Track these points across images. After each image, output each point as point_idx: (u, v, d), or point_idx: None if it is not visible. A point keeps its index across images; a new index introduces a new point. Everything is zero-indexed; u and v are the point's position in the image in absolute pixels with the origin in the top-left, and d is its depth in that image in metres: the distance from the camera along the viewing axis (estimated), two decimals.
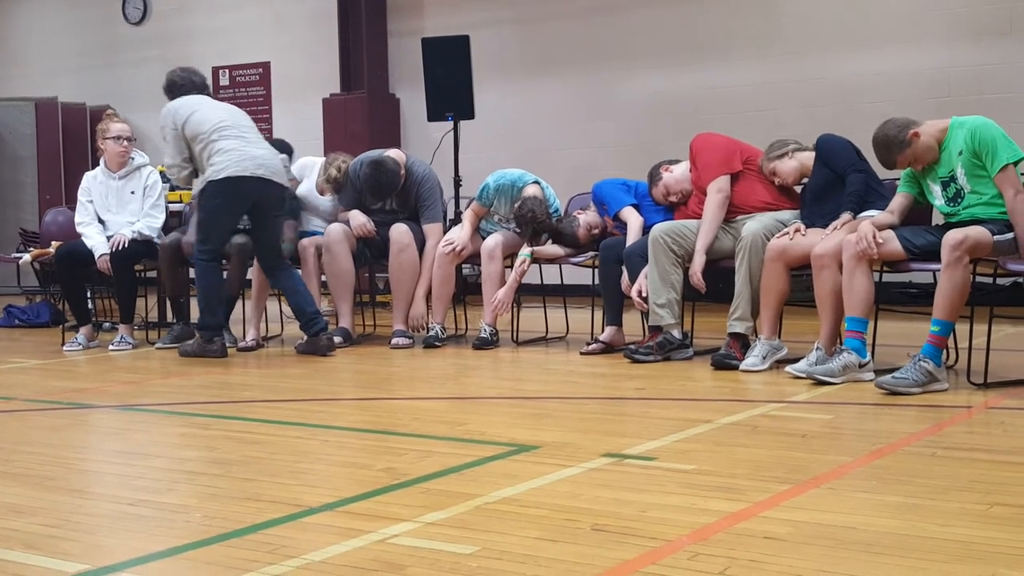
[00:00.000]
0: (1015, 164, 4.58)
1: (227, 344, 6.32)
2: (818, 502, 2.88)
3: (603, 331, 6.08)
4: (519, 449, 3.61)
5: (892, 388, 4.44)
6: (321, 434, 4.09)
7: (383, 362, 6.02)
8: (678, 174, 5.95)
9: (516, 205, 6.38)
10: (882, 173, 5.23)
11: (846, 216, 5.07)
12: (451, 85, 9.11)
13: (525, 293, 6.82)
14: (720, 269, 5.62)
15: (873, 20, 9.04)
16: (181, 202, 7.62)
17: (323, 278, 6.77)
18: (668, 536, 2.59)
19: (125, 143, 6.78)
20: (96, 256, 6.59)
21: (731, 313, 5.40)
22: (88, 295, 7.40)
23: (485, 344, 6.35)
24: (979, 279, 4.64)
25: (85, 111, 12.41)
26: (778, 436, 3.80)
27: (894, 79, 8.86)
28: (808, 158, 5.52)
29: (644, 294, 5.67)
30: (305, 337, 6.24)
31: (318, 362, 5.99)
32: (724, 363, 5.31)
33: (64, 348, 6.72)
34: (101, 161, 6.86)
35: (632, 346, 5.74)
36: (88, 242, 6.66)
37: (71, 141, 12.28)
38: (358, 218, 6.63)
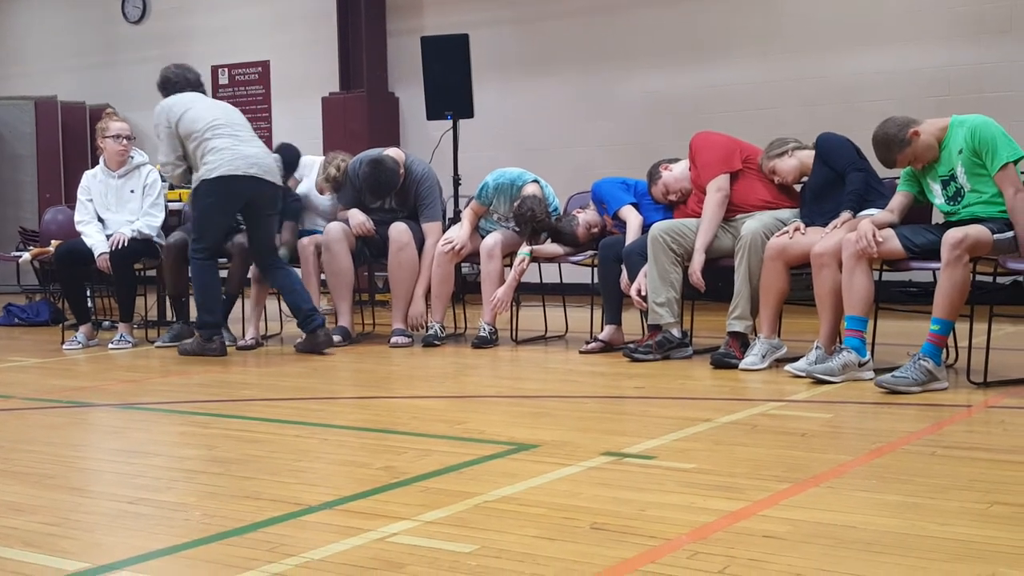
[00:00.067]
0: (1015, 163, 4.58)
1: (226, 343, 6.33)
2: (817, 501, 2.88)
3: (602, 330, 6.08)
4: (518, 448, 3.61)
5: (892, 387, 4.44)
6: (320, 433, 4.09)
7: (382, 361, 6.02)
8: (677, 173, 5.95)
9: (515, 204, 6.38)
10: (882, 172, 5.23)
11: (846, 215, 5.07)
12: (450, 84, 9.10)
13: (524, 292, 6.82)
14: (719, 268, 5.62)
15: (873, 19, 9.04)
16: (181, 201, 7.62)
17: (322, 277, 6.77)
18: (667, 535, 2.58)
19: (124, 142, 6.78)
20: (96, 255, 6.59)
21: (730, 312, 5.40)
22: (88, 294, 7.41)
23: (484, 343, 6.35)
24: (979, 278, 4.63)
25: (85, 110, 12.42)
26: (777, 435, 3.80)
27: (894, 78, 8.86)
28: (808, 157, 5.52)
29: (643, 293, 5.67)
30: (304, 335, 6.24)
31: (317, 361, 5.99)
32: (723, 362, 5.31)
33: (64, 347, 6.72)
34: (100, 160, 6.86)
35: (631, 345, 5.74)
36: (88, 241, 6.66)
37: (71, 140, 12.29)
38: (357, 217, 6.63)
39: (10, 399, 4.91)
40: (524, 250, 6.32)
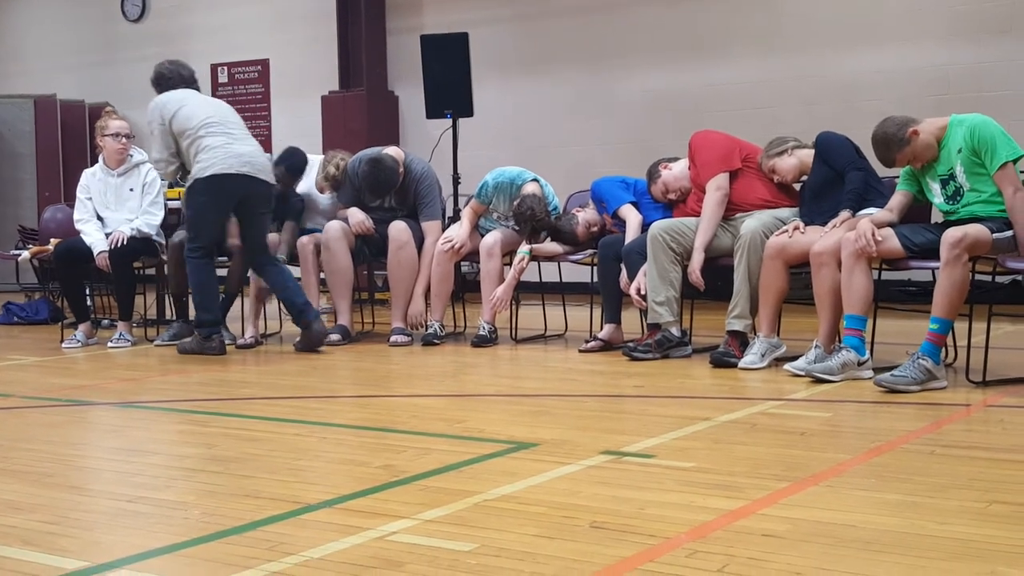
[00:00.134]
0: (1014, 162, 4.58)
1: (226, 341, 6.33)
2: (817, 500, 2.88)
3: (602, 329, 6.08)
4: (518, 446, 3.61)
5: (891, 386, 4.44)
6: (320, 431, 4.09)
7: (382, 359, 6.02)
8: (677, 172, 5.95)
9: (515, 203, 6.38)
10: (881, 171, 5.23)
11: (845, 214, 5.07)
12: (450, 82, 9.10)
13: (524, 291, 6.81)
14: (719, 267, 5.62)
15: (872, 18, 9.04)
16: (180, 199, 7.61)
17: (322, 275, 6.77)
18: (666, 533, 2.58)
19: (124, 140, 6.78)
20: (95, 253, 6.59)
21: (730, 311, 5.40)
22: (87, 292, 7.40)
23: (484, 342, 6.35)
24: (978, 277, 4.63)
25: (84, 108, 12.41)
26: (777, 434, 3.80)
27: (893, 77, 8.86)
28: (807, 156, 5.52)
29: (643, 292, 5.67)
30: (302, 334, 6.24)
31: (316, 359, 5.99)
32: (723, 361, 5.31)
33: (63, 345, 6.72)
34: (100, 158, 6.86)
35: (631, 344, 5.74)
36: (87, 239, 6.66)
37: (70, 138, 12.29)
38: (357, 216, 6.63)
39: (9, 397, 4.91)
40: (524, 249, 6.32)
